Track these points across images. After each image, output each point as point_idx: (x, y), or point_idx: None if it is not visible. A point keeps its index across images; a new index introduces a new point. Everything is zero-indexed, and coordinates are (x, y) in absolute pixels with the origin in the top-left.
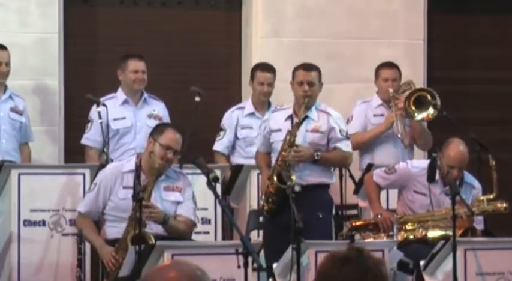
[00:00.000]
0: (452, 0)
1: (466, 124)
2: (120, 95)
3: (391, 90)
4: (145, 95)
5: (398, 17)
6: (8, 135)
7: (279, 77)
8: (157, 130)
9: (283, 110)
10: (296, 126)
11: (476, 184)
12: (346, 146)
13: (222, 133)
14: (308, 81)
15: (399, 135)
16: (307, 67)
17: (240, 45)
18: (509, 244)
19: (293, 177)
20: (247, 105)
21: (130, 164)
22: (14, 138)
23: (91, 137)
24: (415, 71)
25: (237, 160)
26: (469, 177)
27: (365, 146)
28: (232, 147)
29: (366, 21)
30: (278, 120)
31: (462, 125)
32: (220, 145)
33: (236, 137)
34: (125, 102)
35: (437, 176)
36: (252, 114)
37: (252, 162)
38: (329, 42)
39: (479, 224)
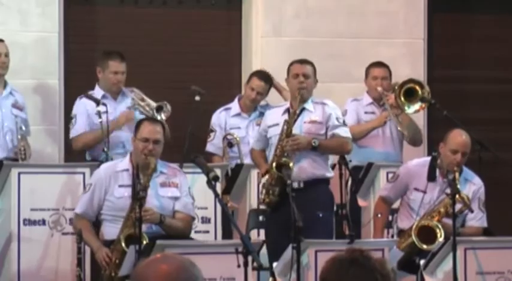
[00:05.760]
0: None
1: (466, 123)
2: (98, 91)
3: (379, 89)
4: (122, 88)
5: (399, 16)
6: (11, 132)
7: (279, 76)
8: (136, 127)
9: (280, 107)
10: (293, 116)
11: (476, 180)
12: (344, 132)
13: (212, 134)
14: (303, 73)
15: (399, 128)
16: (302, 61)
17: (240, 44)
18: (509, 244)
19: (291, 164)
20: (234, 105)
21: (124, 163)
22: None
23: (79, 128)
24: (415, 70)
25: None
26: (468, 173)
27: (356, 140)
28: None
29: (366, 21)
30: (275, 116)
31: (462, 124)
32: (211, 146)
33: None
34: (103, 97)
35: (438, 174)
36: (238, 115)
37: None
38: (329, 42)
39: (478, 220)
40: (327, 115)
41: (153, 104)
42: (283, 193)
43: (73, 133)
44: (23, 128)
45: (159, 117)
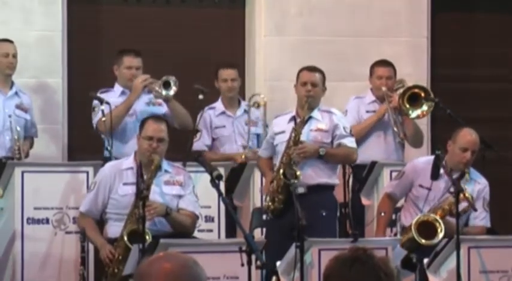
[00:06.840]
0: None
1: (468, 122)
2: (117, 88)
3: (384, 89)
4: None
5: (402, 15)
6: (12, 132)
7: (282, 75)
8: (140, 126)
9: (286, 114)
10: (301, 124)
11: (482, 179)
12: (350, 142)
13: (198, 134)
14: (312, 82)
15: (395, 129)
16: (312, 68)
17: (243, 43)
18: None
19: (298, 173)
20: (218, 104)
21: (129, 161)
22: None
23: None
24: (418, 69)
25: None
26: (473, 172)
27: (357, 139)
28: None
29: (369, 19)
30: (281, 123)
31: (465, 123)
32: (197, 146)
33: (211, 138)
34: (122, 93)
35: (442, 171)
36: (223, 113)
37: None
38: (332, 41)
39: (481, 220)
40: (334, 124)
41: (161, 82)
42: (287, 201)
43: (97, 118)
44: (18, 128)
45: (164, 93)
